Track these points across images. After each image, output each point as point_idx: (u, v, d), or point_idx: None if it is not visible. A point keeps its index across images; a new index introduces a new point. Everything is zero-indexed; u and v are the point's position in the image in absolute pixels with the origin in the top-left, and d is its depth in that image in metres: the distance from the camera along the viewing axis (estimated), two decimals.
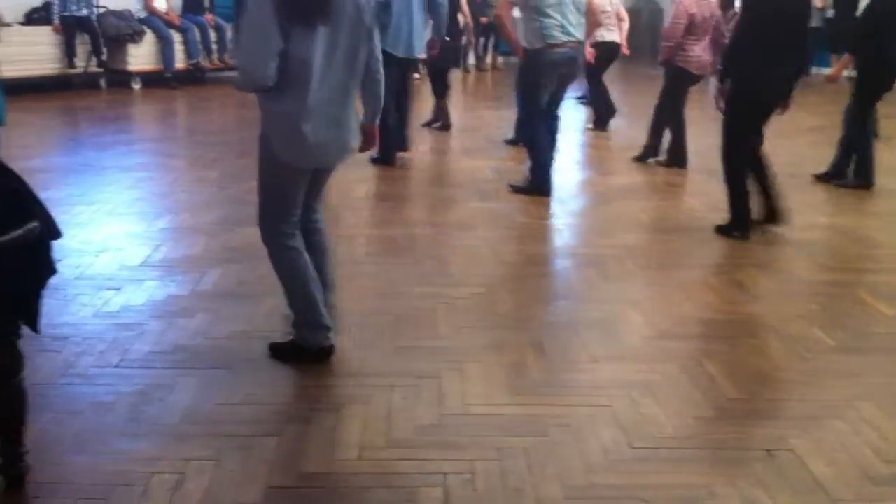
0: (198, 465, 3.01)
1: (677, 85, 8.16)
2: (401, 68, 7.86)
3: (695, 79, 8.17)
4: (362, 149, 3.86)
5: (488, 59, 17.14)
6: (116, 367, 3.76)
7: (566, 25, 6.63)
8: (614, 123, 10.44)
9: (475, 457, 3.10)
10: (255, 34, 3.34)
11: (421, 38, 7.97)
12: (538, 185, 7.01)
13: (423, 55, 8.33)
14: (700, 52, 7.94)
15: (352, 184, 7.02)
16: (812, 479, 3.03)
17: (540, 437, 3.25)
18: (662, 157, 8.38)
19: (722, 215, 6.02)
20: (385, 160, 7.91)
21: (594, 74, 10.05)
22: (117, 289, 4.66)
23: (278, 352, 3.87)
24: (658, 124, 8.36)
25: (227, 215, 6.16)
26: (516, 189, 7.11)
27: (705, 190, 7.32)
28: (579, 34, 6.75)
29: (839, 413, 3.51)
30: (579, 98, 11.93)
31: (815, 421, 3.45)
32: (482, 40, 16.68)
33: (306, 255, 3.76)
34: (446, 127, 10.00)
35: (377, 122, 3.86)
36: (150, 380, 3.64)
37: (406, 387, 3.62)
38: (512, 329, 4.30)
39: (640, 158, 8.45)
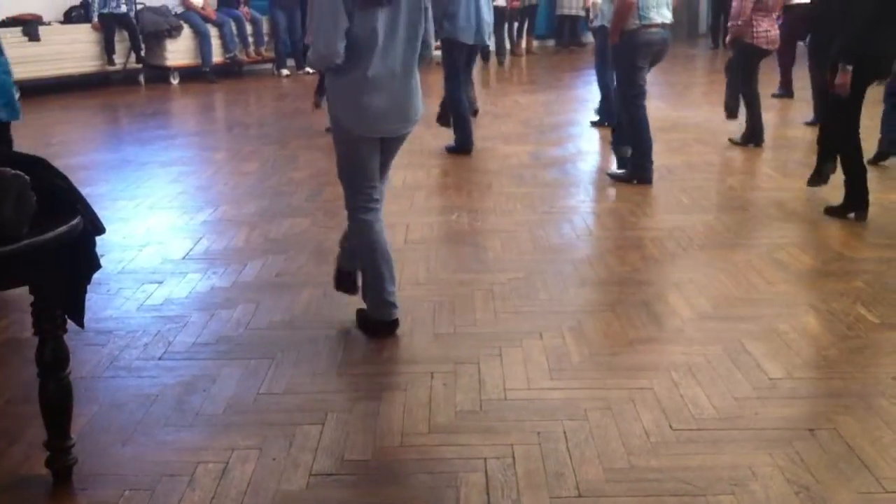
0: (242, 453, 3.05)
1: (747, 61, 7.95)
2: (468, 56, 7.88)
3: (763, 54, 7.94)
4: None
5: (522, 44, 17.00)
6: (160, 359, 3.82)
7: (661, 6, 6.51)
8: (655, 102, 10.34)
9: (516, 441, 3.11)
10: (325, 16, 3.63)
11: (489, 24, 7.92)
12: (640, 172, 6.76)
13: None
14: (768, 26, 7.75)
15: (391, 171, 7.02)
16: (856, 458, 3.01)
17: (580, 420, 3.26)
18: (737, 136, 8.13)
19: (758, 193, 5.93)
20: (463, 149, 7.90)
21: None
22: (160, 282, 4.73)
23: (359, 319, 4.12)
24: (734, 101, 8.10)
25: (268, 207, 6.21)
26: (615, 177, 6.88)
27: (746, 168, 7.25)
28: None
29: (883, 391, 3.48)
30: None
31: (859, 399, 3.41)
32: (515, 24, 16.53)
33: (379, 230, 3.97)
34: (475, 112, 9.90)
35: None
36: (193, 371, 3.69)
37: (446, 373, 3.64)
38: (551, 313, 4.30)
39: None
